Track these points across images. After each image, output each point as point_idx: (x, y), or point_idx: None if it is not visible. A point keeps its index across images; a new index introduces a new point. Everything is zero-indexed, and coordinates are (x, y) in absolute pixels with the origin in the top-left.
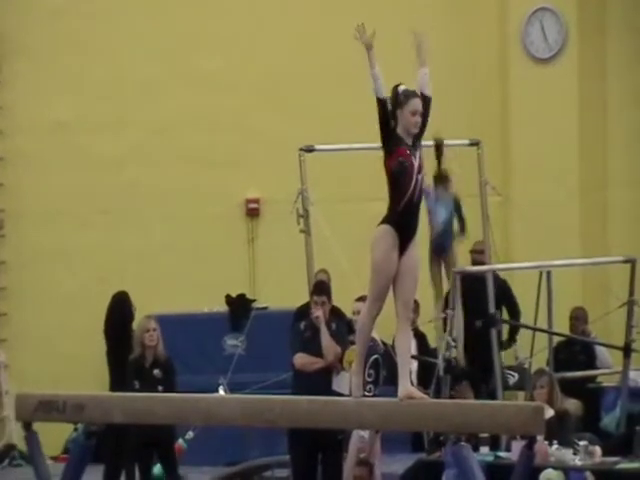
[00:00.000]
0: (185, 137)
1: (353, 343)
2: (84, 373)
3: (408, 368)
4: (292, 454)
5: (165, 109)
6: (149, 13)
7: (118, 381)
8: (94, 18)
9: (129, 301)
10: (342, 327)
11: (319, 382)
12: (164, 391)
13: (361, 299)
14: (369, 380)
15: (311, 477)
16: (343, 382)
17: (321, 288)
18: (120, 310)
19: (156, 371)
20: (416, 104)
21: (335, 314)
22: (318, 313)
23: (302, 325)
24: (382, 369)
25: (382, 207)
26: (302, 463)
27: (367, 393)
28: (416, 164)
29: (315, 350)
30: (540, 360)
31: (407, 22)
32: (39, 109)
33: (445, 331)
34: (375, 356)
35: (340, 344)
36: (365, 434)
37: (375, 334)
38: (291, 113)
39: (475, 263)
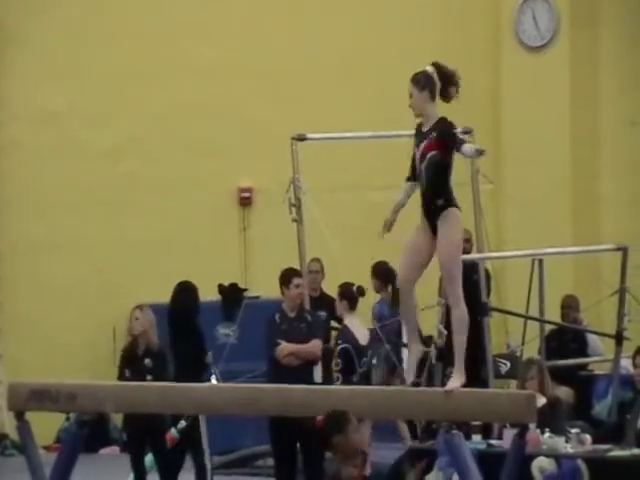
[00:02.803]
0: (179, 127)
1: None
2: (78, 363)
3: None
4: (273, 443)
5: (159, 99)
6: (145, 3)
7: (179, 374)
8: (92, 8)
9: (193, 290)
10: (317, 318)
11: (301, 374)
12: (153, 380)
13: (340, 286)
14: (335, 369)
15: (292, 465)
16: (319, 372)
17: (297, 272)
18: (183, 299)
19: (147, 360)
20: (408, 88)
21: (321, 304)
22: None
23: (277, 317)
24: (358, 359)
25: (374, 196)
26: (283, 451)
27: (335, 382)
28: (418, 154)
29: (293, 343)
30: (532, 348)
31: (400, 10)
32: (36, 99)
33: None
34: (342, 345)
35: (318, 336)
36: None
37: (356, 323)
38: (284, 102)
39: (463, 252)
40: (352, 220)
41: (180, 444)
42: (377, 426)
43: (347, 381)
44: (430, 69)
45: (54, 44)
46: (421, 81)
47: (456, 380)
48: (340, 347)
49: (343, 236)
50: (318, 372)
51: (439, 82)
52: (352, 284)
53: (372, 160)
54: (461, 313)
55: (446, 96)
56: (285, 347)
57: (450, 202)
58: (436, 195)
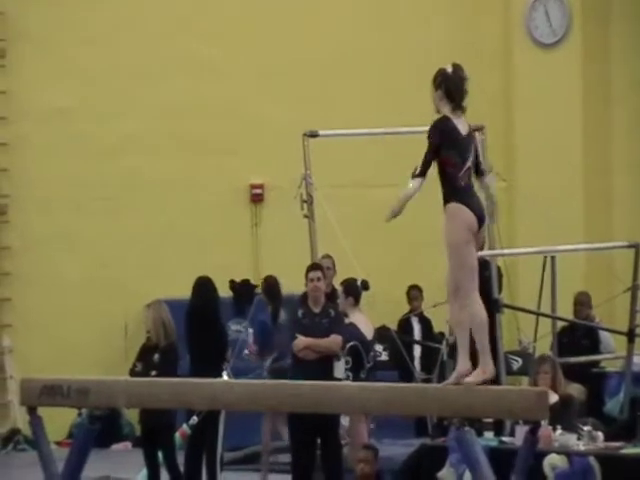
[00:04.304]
0: (190, 123)
1: None
2: (89, 359)
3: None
4: (292, 438)
5: (168, 96)
6: (151, 1)
7: (197, 368)
8: (98, 5)
9: (213, 285)
10: (340, 313)
11: (320, 369)
12: (156, 376)
13: (342, 282)
14: (346, 367)
15: (310, 460)
16: (344, 368)
17: (314, 265)
18: (204, 294)
19: (155, 356)
20: None
21: (332, 300)
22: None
23: (300, 312)
24: (366, 355)
25: (385, 192)
26: (301, 447)
27: (345, 380)
28: None
29: (314, 337)
30: (544, 345)
31: (411, 7)
32: (43, 95)
33: None
34: (352, 343)
35: (339, 331)
36: (344, 422)
37: (362, 318)
38: (294, 98)
39: None
40: (363, 216)
41: (197, 441)
42: (388, 423)
43: (356, 378)
44: (449, 68)
45: (61, 42)
46: (436, 79)
47: (477, 375)
48: (349, 345)
49: (354, 232)
50: (340, 367)
51: (456, 80)
52: (355, 279)
53: (381, 157)
54: (472, 311)
55: (457, 95)
56: (301, 341)
57: (447, 198)
58: (442, 192)
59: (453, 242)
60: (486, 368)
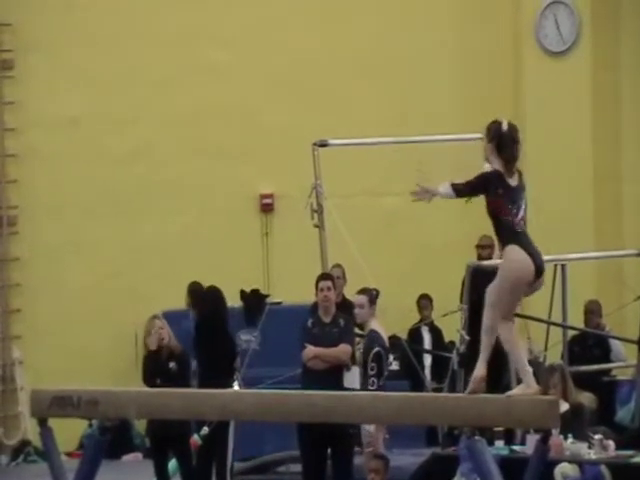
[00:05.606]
0: (198, 132)
1: (358, 335)
2: (98, 368)
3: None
4: (302, 449)
5: (178, 104)
6: (161, 8)
7: (206, 378)
8: (107, 13)
9: (221, 294)
10: (350, 323)
11: (329, 379)
12: (181, 384)
13: (362, 291)
14: (371, 373)
15: (321, 471)
16: (354, 378)
17: (324, 275)
18: (213, 303)
19: (172, 364)
20: None
21: (343, 310)
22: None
23: (310, 322)
24: (386, 362)
25: (395, 201)
26: (312, 457)
27: (370, 387)
28: None
29: (323, 347)
30: (555, 354)
31: (423, 16)
32: (52, 105)
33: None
34: (376, 349)
35: (348, 341)
36: (370, 428)
37: (380, 326)
38: (304, 107)
39: (480, 258)
40: (374, 226)
41: (207, 452)
42: (398, 432)
43: (380, 385)
44: (504, 126)
45: (69, 51)
46: (490, 132)
47: (522, 389)
48: (375, 350)
49: (365, 241)
50: (352, 377)
51: (508, 141)
52: (369, 289)
53: (391, 165)
54: (503, 339)
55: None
56: (310, 350)
57: (507, 240)
58: (500, 236)
59: (502, 278)
60: (531, 385)
